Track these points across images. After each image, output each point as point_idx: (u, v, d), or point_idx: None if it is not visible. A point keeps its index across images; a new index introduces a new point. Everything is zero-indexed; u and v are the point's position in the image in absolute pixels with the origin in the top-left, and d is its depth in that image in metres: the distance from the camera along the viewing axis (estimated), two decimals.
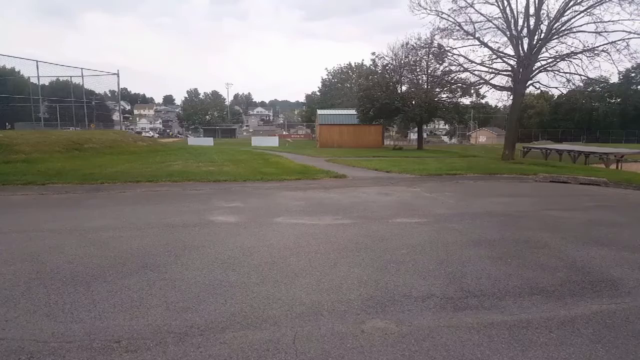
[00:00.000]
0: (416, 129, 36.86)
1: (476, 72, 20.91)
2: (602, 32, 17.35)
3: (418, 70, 30.98)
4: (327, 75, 70.43)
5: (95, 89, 23.71)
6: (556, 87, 21.40)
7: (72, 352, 2.43)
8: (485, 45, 19.75)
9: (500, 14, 18.78)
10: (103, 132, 21.20)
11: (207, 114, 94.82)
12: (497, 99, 43.04)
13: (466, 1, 18.86)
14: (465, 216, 6.42)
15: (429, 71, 29.54)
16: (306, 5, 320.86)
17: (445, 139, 69.17)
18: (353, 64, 66.80)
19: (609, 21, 17.19)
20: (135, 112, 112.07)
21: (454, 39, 20.03)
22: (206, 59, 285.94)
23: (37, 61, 17.60)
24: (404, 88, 32.58)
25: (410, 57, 30.14)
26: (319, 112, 39.49)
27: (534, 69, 19.24)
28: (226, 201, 7.55)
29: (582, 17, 17.80)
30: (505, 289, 3.50)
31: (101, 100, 29.96)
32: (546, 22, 18.36)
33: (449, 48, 20.95)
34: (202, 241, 4.80)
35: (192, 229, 5.37)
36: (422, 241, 4.92)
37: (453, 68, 21.94)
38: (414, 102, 30.67)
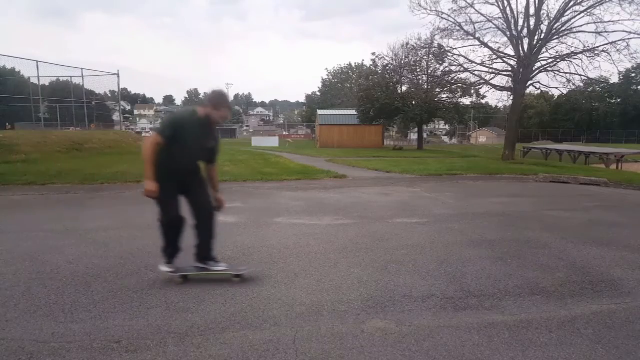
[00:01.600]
0: (416, 129, 36.86)
1: (476, 72, 20.94)
2: (602, 32, 17.38)
3: (418, 70, 30.99)
4: (327, 75, 70.51)
5: (95, 89, 23.67)
6: (556, 87, 21.37)
7: (72, 352, 2.43)
8: (485, 45, 19.76)
9: (500, 14, 18.80)
10: (103, 132, 21.20)
11: None
12: (497, 99, 42.99)
13: (466, 1, 18.89)
14: (465, 216, 6.42)
15: (429, 71, 29.54)
16: (306, 5, 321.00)
17: (445, 139, 69.16)
18: (353, 64, 66.85)
19: (609, 21, 17.22)
20: (135, 112, 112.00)
21: (454, 39, 20.07)
22: (206, 59, 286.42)
23: (37, 61, 17.55)
24: (404, 88, 32.58)
25: (410, 57, 30.15)
26: (319, 112, 39.46)
27: (534, 69, 19.24)
28: (226, 201, 7.53)
29: (582, 17, 17.84)
30: (505, 289, 3.50)
31: (101, 101, 29.93)
32: (546, 22, 18.39)
33: (449, 48, 20.99)
34: None
35: (192, 229, 5.35)
36: (422, 241, 4.92)
37: (453, 68, 21.97)
38: (414, 102, 30.68)
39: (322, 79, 70.74)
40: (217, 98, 3.36)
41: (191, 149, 3.37)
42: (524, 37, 18.77)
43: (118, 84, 21.45)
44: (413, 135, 47.19)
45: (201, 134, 3.37)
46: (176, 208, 3.41)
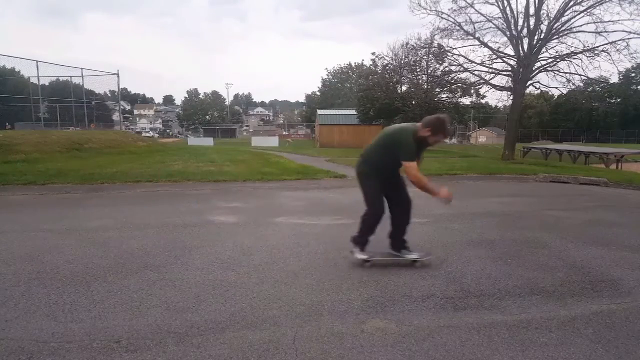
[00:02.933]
0: None
1: (476, 72, 20.92)
2: (602, 32, 17.36)
3: (418, 70, 30.93)
4: (327, 75, 70.52)
5: (95, 89, 23.74)
6: (556, 87, 21.42)
7: (72, 352, 2.43)
8: (485, 45, 19.75)
9: (500, 14, 18.79)
10: (103, 132, 21.20)
11: (207, 114, 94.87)
12: (497, 99, 43.14)
13: (466, 1, 18.87)
14: (465, 216, 6.41)
15: (429, 71, 29.50)
16: (306, 5, 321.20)
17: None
18: (353, 64, 66.87)
19: (609, 21, 17.21)
20: (135, 112, 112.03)
21: (454, 39, 20.05)
22: (206, 59, 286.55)
23: (37, 61, 17.56)
24: (404, 88, 32.57)
25: (410, 57, 30.08)
26: (319, 112, 39.46)
27: (534, 69, 19.23)
28: (226, 201, 7.55)
29: (582, 17, 17.82)
30: (505, 289, 3.50)
31: (101, 100, 29.96)
32: (546, 22, 18.37)
33: (449, 48, 20.99)
34: (202, 241, 4.80)
35: (192, 229, 5.37)
36: (422, 241, 4.92)
37: (453, 68, 21.98)
38: (414, 102, 30.67)
39: (322, 79, 70.79)
40: (439, 125, 3.67)
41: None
42: (524, 37, 18.76)
43: (118, 84, 21.50)
44: None
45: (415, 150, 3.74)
46: (383, 203, 3.87)
